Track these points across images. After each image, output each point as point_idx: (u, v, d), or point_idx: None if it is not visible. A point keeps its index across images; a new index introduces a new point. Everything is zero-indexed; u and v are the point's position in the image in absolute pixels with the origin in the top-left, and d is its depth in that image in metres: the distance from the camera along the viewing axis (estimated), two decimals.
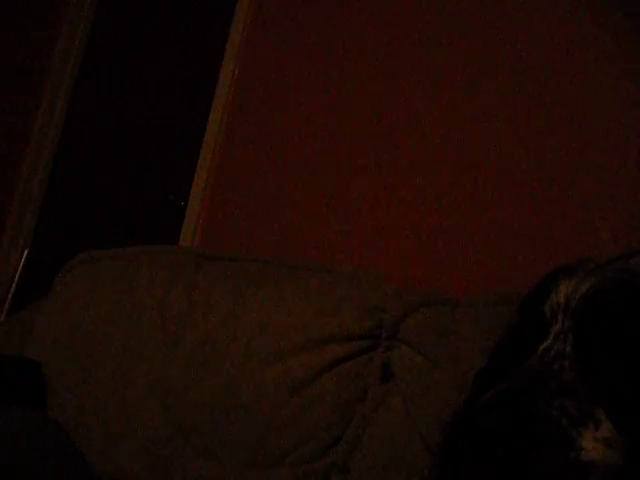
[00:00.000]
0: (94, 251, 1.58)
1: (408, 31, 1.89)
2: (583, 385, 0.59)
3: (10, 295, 2.74)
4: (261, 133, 2.13)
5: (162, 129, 2.70)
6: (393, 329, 1.13)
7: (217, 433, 1.16)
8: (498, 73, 1.69)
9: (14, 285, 2.76)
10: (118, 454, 1.25)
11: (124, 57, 2.88)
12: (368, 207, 1.82)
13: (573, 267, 0.66)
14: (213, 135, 2.28)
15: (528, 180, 1.58)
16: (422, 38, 1.85)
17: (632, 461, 0.56)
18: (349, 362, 1.15)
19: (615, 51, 1.52)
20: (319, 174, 1.97)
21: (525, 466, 0.55)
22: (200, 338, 1.26)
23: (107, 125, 2.86)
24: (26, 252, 2.84)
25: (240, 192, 2.12)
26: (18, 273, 2.78)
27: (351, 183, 1.90)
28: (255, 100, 2.20)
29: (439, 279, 1.61)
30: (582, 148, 1.53)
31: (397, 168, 1.81)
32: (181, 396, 1.22)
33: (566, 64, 1.59)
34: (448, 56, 1.79)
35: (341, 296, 1.20)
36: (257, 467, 1.13)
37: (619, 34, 1.52)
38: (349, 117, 1.95)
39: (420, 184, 1.75)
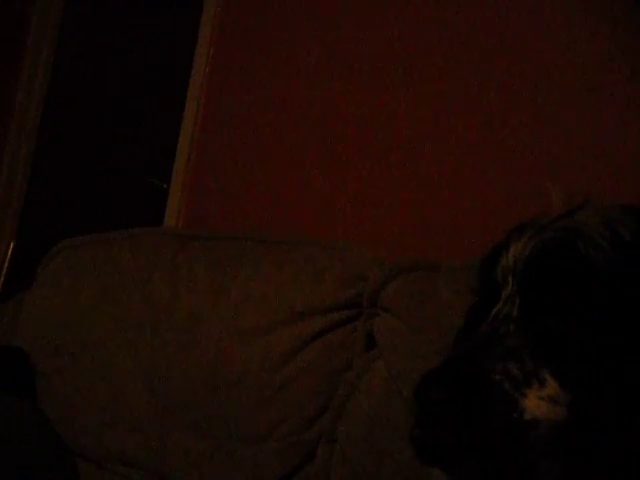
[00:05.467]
0: (75, 238, 1.57)
1: None
2: (527, 347, 0.60)
3: None
4: (240, 110, 2.11)
5: (140, 113, 2.67)
6: (374, 297, 1.14)
7: (205, 409, 1.18)
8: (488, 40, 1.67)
9: (2, 277, 2.75)
10: (111, 437, 1.26)
11: (101, 36, 2.83)
12: (350, 179, 1.82)
13: (525, 226, 0.66)
14: (191, 116, 2.26)
15: (509, 151, 1.58)
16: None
17: (575, 414, 0.58)
18: (333, 333, 1.16)
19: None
20: (301, 150, 1.96)
21: (470, 431, 0.57)
22: (185, 317, 1.27)
23: (86, 111, 2.83)
24: (12, 244, 2.83)
25: (221, 171, 2.11)
26: (6, 265, 2.77)
27: (333, 157, 1.89)
28: (232, 76, 2.17)
29: (421, 248, 1.61)
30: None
31: (380, 142, 1.80)
32: (168, 375, 1.23)
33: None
34: (440, 22, 1.76)
35: (322, 268, 1.20)
36: (246, 441, 1.14)
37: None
38: (332, 87, 1.93)
39: (404, 155, 1.75)
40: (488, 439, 0.57)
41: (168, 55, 2.61)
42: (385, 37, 1.84)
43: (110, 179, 2.71)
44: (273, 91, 2.05)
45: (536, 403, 0.58)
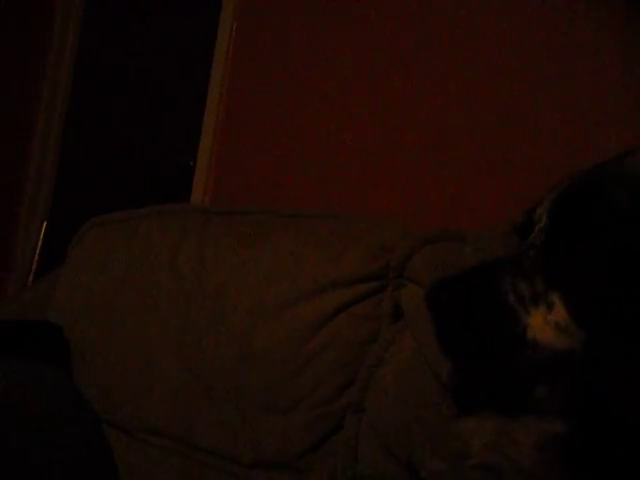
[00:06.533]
0: (105, 215, 1.60)
1: None
2: (541, 271, 0.60)
3: (34, 266, 2.80)
4: (263, 87, 2.11)
5: (166, 93, 2.68)
6: (400, 268, 1.13)
7: (234, 381, 1.19)
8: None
9: (36, 256, 2.81)
10: (143, 408, 1.29)
11: (129, 16, 2.84)
12: (373, 152, 1.80)
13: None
14: (216, 95, 2.26)
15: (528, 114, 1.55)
16: None
17: (585, 352, 0.56)
18: (359, 304, 1.16)
19: None
20: (326, 125, 1.95)
21: (472, 337, 0.59)
22: (212, 290, 1.28)
23: (113, 93, 2.85)
24: (45, 224, 2.89)
25: (246, 148, 2.11)
26: (39, 244, 2.83)
27: (359, 133, 1.88)
28: (255, 54, 2.16)
29: (447, 219, 1.60)
30: None
31: (397, 114, 1.78)
32: (198, 347, 1.25)
33: None
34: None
35: (347, 240, 1.20)
36: (275, 411, 1.15)
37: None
38: (349, 68, 1.91)
39: (422, 128, 1.73)
40: (487, 344, 0.58)
41: (192, 36, 2.61)
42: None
43: (137, 158, 2.74)
44: (297, 66, 2.04)
45: (541, 326, 0.57)
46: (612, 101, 1.44)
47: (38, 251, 2.84)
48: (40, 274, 2.71)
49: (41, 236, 2.86)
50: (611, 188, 0.59)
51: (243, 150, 2.12)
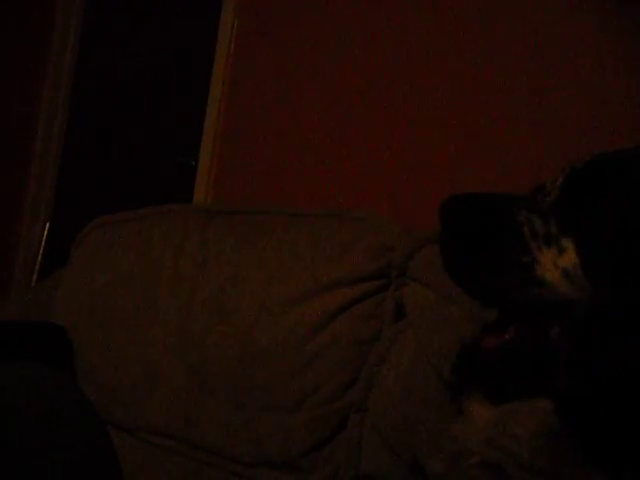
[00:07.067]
0: (107, 216, 1.60)
1: None
2: (556, 213, 0.60)
3: (37, 267, 2.80)
4: (264, 88, 2.11)
5: (168, 94, 2.68)
6: (402, 267, 1.13)
7: (236, 380, 1.19)
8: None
9: (39, 257, 2.82)
10: (145, 408, 1.29)
11: (130, 17, 2.84)
12: (374, 152, 1.80)
13: None
14: (217, 95, 2.26)
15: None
16: None
17: (594, 306, 0.57)
18: (361, 303, 1.16)
19: None
20: (327, 125, 1.95)
21: (483, 253, 0.60)
22: (215, 291, 1.28)
23: (115, 93, 2.86)
24: (48, 224, 2.89)
25: (247, 148, 2.11)
26: (42, 245, 2.84)
27: (359, 132, 1.88)
28: (256, 55, 2.16)
29: None
30: None
31: (399, 114, 1.78)
32: (200, 348, 1.25)
33: None
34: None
35: (349, 239, 1.20)
36: (277, 411, 1.15)
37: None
38: (351, 66, 1.91)
39: (424, 129, 1.73)
40: (497, 266, 0.59)
41: (193, 35, 2.60)
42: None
43: (139, 159, 2.74)
44: (299, 65, 2.03)
45: (550, 267, 0.58)
46: (612, 101, 1.44)
47: (41, 252, 2.84)
48: (43, 275, 2.71)
49: (44, 237, 2.87)
50: (629, 161, 0.60)
51: (245, 150, 2.12)
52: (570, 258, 0.58)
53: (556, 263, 0.58)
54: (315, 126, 1.95)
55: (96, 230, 1.56)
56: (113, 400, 1.31)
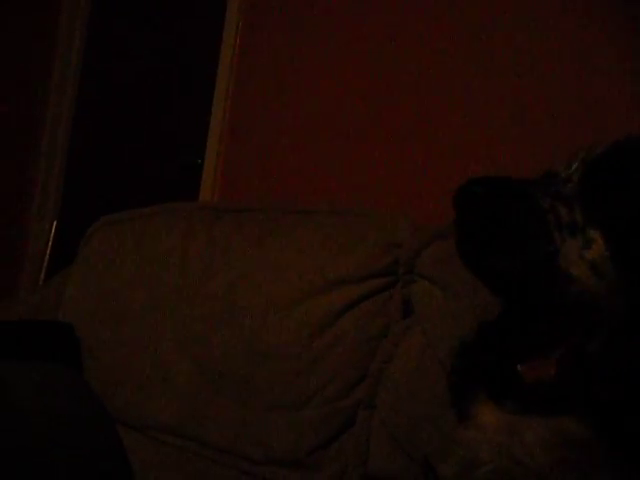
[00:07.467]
0: (114, 214, 1.60)
1: None
2: (581, 200, 0.57)
3: (45, 265, 2.81)
4: (269, 86, 2.10)
5: (174, 92, 2.68)
6: (410, 264, 1.13)
7: (244, 378, 1.19)
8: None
9: (47, 256, 2.83)
10: (152, 406, 1.29)
11: (135, 16, 2.84)
12: (380, 148, 1.80)
13: None
14: (223, 93, 2.26)
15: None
16: None
17: (623, 298, 0.54)
18: (369, 300, 1.16)
19: None
20: (333, 122, 1.94)
21: (500, 235, 0.55)
22: (222, 289, 1.28)
23: (121, 91, 2.86)
24: (55, 223, 2.90)
25: (253, 146, 2.11)
26: (49, 244, 2.85)
27: (365, 128, 1.87)
28: (262, 53, 2.16)
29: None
30: None
31: (404, 111, 1.77)
32: (207, 346, 1.25)
33: None
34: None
35: (356, 236, 1.20)
36: (285, 409, 1.15)
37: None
38: (356, 65, 1.91)
39: (428, 125, 1.72)
40: (517, 249, 0.54)
41: (198, 34, 2.60)
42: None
43: (145, 157, 2.74)
44: (304, 63, 2.03)
45: (575, 259, 0.54)
46: (613, 102, 1.44)
47: (49, 250, 2.85)
48: (51, 273, 2.72)
49: (51, 236, 2.87)
50: None
51: (251, 148, 2.11)
52: (599, 249, 0.54)
53: (582, 255, 0.54)
54: (321, 124, 1.95)
55: (103, 228, 1.56)
56: (121, 398, 1.31)
